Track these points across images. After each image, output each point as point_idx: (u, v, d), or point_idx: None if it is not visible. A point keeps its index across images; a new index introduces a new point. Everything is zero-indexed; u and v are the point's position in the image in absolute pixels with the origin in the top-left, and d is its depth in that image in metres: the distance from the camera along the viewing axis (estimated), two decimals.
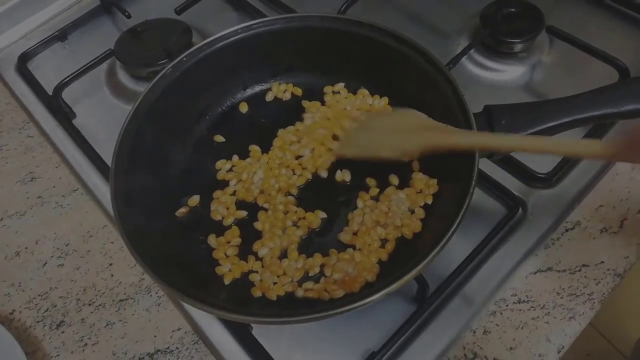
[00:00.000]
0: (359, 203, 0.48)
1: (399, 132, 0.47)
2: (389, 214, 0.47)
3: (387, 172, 0.50)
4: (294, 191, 0.50)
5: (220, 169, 0.52)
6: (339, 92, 0.55)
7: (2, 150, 0.63)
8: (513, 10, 0.61)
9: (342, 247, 0.47)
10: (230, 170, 0.52)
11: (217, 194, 0.50)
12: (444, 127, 0.45)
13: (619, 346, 1.21)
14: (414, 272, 0.37)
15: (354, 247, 0.46)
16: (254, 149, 0.53)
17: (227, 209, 0.49)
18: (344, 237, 0.47)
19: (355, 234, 0.47)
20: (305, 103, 0.55)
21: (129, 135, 0.47)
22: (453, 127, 0.44)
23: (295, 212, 0.48)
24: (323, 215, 0.48)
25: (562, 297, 0.47)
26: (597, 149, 0.40)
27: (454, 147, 0.43)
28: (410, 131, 0.46)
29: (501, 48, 0.61)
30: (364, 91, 0.55)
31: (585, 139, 0.53)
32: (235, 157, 0.52)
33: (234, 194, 0.50)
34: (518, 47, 0.60)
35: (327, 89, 0.55)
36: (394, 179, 0.49)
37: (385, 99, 0.54)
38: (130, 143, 0.47)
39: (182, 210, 0.49)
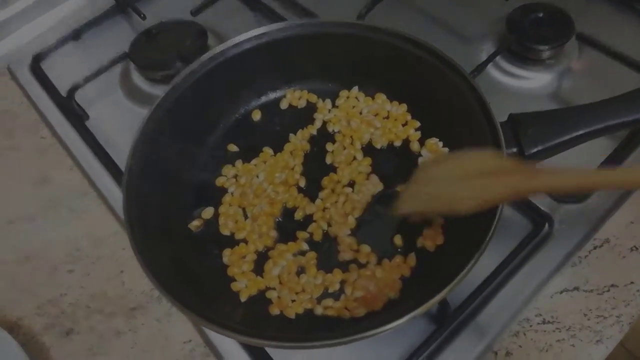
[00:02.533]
0: None
1: (469, 178, 0.39)
2: None
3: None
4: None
5: (226, 175, 0.51)
6: (355, 98, 0.53)
7: (15, 151, 0.62)
8: (541, 15, 0.58)
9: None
10: (235, 177, 0.50)
11: (222, 207, 0.49)
12: (524, 167, 0.38)
13: None
14: (443, 293, 0.36)
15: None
16: (266, 150, 0.51)
17: (236, 222, 0.48)
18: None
19: None
20: (318, 103, 0.54)
21: (141, 147, 0.45)
22: (532, 166, 0.39)
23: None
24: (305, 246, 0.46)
25: (589, 319, 0.45)
26: None
27: (546, 191, 0.39)
28: (483, 176, 0.39)
29: (528, 54, 0.58)
30: (382, 96, 0.53)
31: None
32: (239, 162, 0.51)
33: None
34: (546, 53, 0.58)
35: (343, 94, 0.54)
36: None
37: (404, 106, 0.52)
38: (142, 155, 0.45)
39: (196, 223, 0.48)
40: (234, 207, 0.48)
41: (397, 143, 0.51)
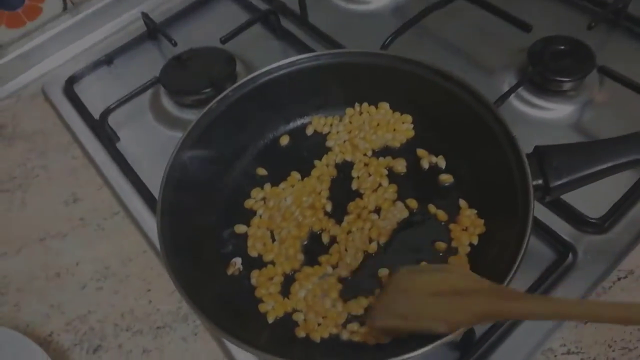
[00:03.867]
0: None
1: (445, 295, 0.38)
2: None
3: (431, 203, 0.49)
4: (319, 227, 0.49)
5: (254, 197, 0.52)
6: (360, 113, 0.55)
7: (47, 170, 0.65)
8: (562, 47, 0.60)
9: None
10: (263, 199, 0.52)
11: (251, 229, 0.50)
12: (501, 289, 0.37)
13: None
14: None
15: None
16: (294, 174, 0.53)
17: (264, 244, 0.49)
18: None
19: None
20: (332, 129, 0.55)
21: (175, 168, 0.47)
22: (510, 288, 0.37)
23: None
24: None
25: (614, 350, 0.45)
26: None
27: (521, 317, 0.39)
28: (457, 294, 0.38)
29: (549, 86, 0.59)
30: (384, 105, 0.55)
31: None
32: (267, 186, 0.52)
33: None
34: (567, 85, 0.59)
35: (349, 111, 0.56)
36: (442, 215, 0.49)
37: (409, 117, 0.54)
38: (176, 176, 0.47)
39: (231, 269, 0.48)
40: (262, 229, 0.49)
41: (395, 144, 0.53)
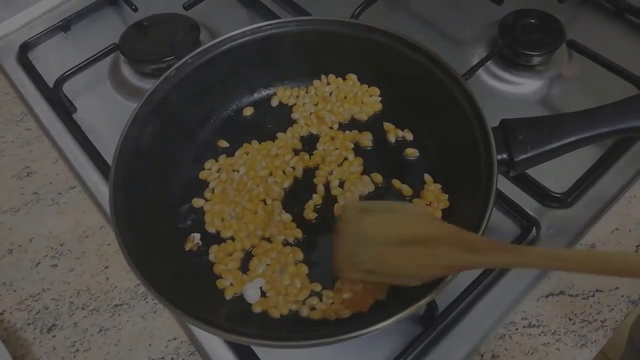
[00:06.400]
0: None
1: (408, 244, 0.37)
2: None
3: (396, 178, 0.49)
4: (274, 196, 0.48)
5: (209, 169, 0.50)
6: (327, 84, 0.54)
7: None
8: (533, 21, 0.59)
9: None
10: (218, 171, 0.50)
11: (207, 205, 0.48)
12: (465, 237, 0.35)
13: None
14: (430, 296, 0.36)
15: None
16: (247, 145, 0.51)
17: (222, 219, 0.47)
18: None
19: None
20: (297, 101, 0.54)
21: (130, 139, 0.45)
22: (475, 236, 0.36)
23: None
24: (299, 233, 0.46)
25: (574, 323, 0.46)
26: None
27: (487, 267, 0.37)
28: (423, 244, 0.36)
29: (518, 60, 0.59)
30: (352, 77, 0.53)
31: None
32: (222, 157, 0.50)
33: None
34: (536, 59, 0.58)
35: (316, 83, 0.54)
36: (407, 190, 0.48)
37: (377, 90, 0.53)
38: (131, 148, 0.45)
39: (189, 245, 0.46)
40: (218, 204, 0.48)
41: (362, 117, 0.52)
